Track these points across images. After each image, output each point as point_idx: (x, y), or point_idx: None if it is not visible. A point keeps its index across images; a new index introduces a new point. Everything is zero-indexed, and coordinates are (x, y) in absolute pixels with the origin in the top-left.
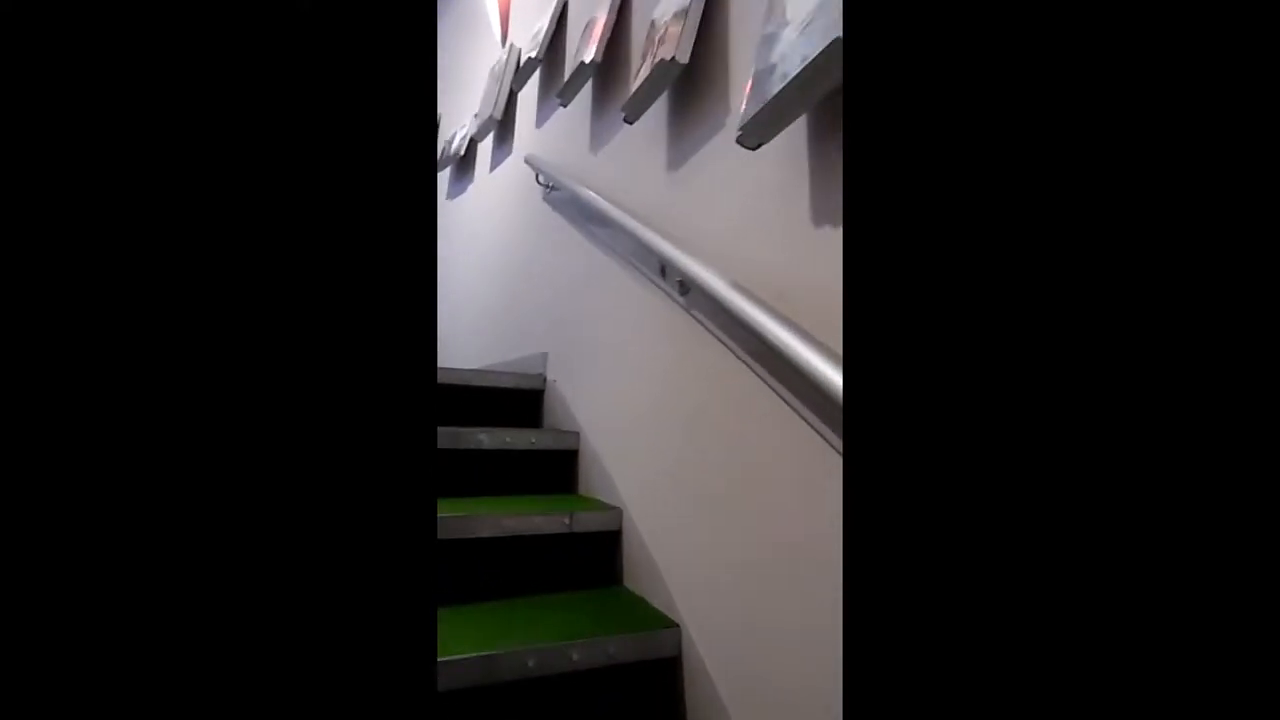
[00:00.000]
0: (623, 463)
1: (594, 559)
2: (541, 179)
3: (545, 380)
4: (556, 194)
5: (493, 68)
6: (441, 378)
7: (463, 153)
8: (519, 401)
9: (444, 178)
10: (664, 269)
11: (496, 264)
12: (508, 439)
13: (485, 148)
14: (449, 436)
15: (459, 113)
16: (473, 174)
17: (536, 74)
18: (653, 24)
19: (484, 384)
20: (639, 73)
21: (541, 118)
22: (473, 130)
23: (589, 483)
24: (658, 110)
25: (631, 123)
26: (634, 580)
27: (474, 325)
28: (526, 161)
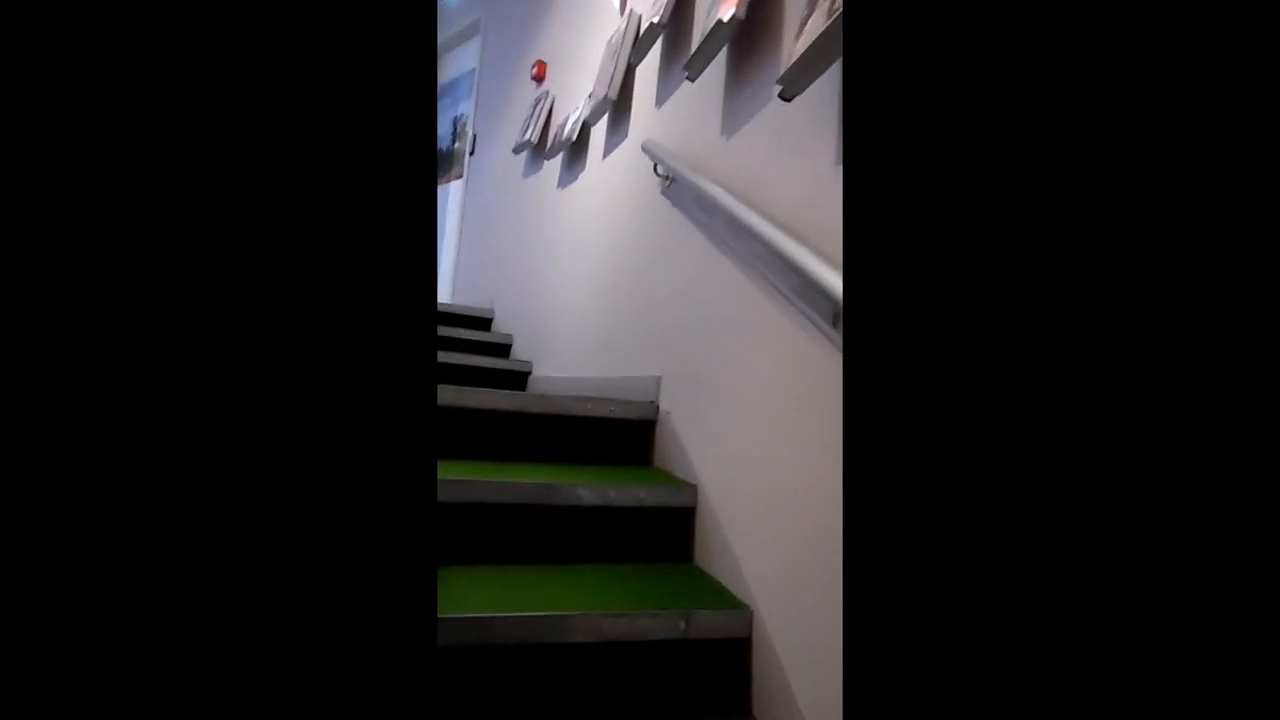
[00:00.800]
0: (751, 540)
1: (716, 679)
2: (660, 169)
3: (658, 410)
4: (676, 187)
5: (609, 40)
6: (536, 406)
7: (574, 138)
8: (625, 433)
9: (554, 165)
10: (837, 318)
11: (604, 265)
12: (611, 494)
13: (599, 132)
14: (543, 491)
15: (572, 94)
16: (584, 161)
17: (658, 44)
18: None
19: (584, 413)
20: (806, 29)
21: (662, 95)
22: (585, 112)
23: (708, 556)
24: (829, 82)
25: (789, 99)
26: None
27: (575, 333)
28: (644, 149)
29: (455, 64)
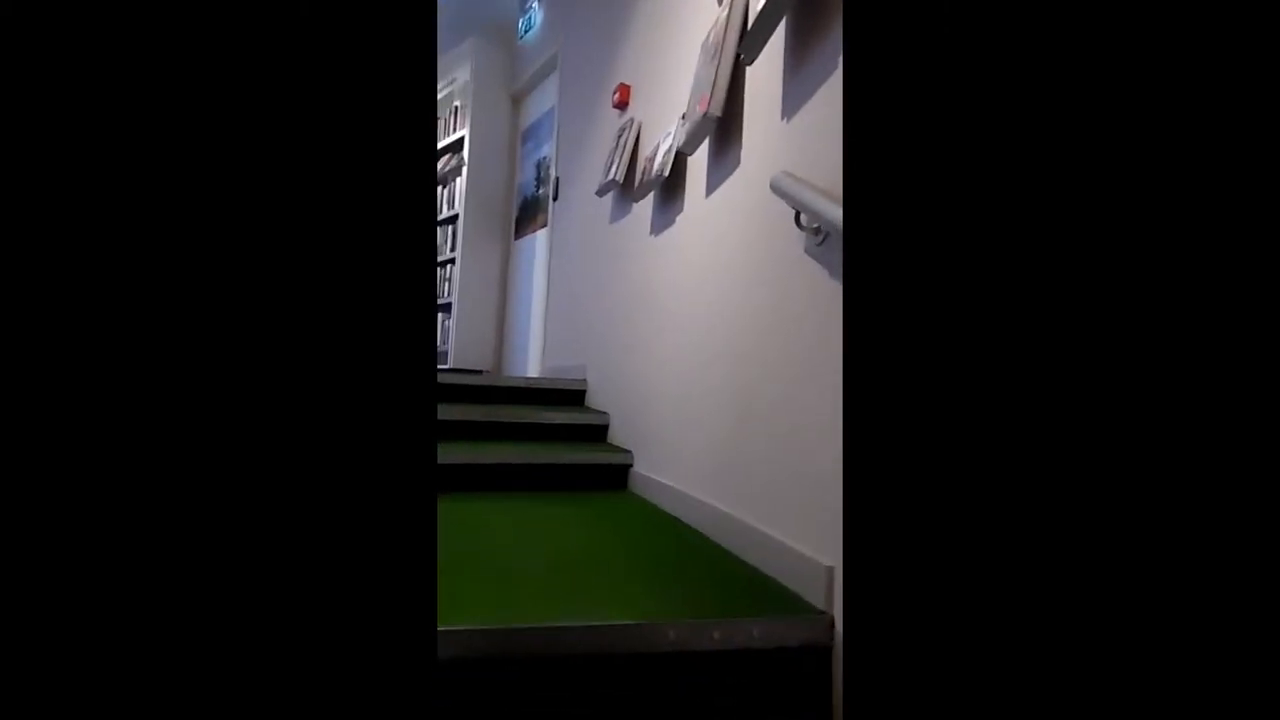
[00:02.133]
0: None
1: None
2: (805, 219)
3: (834, 631)
4: (836, 245)
5: (705, 40)
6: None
7: (666, 172)
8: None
9: (646, 205)
10: None
11: (719, 338)
12: None
13: (699, 163)
14: None
15: (661, 117)
16: (681, 200)
17: (781, 29)
18: None
19: (705, 646)
20: None
21: (792, 103)
22: (679, 139)
23: None
24: None
25: None
26: None
27: (685, 429)
28: (774, 188)
29: (536, 106)
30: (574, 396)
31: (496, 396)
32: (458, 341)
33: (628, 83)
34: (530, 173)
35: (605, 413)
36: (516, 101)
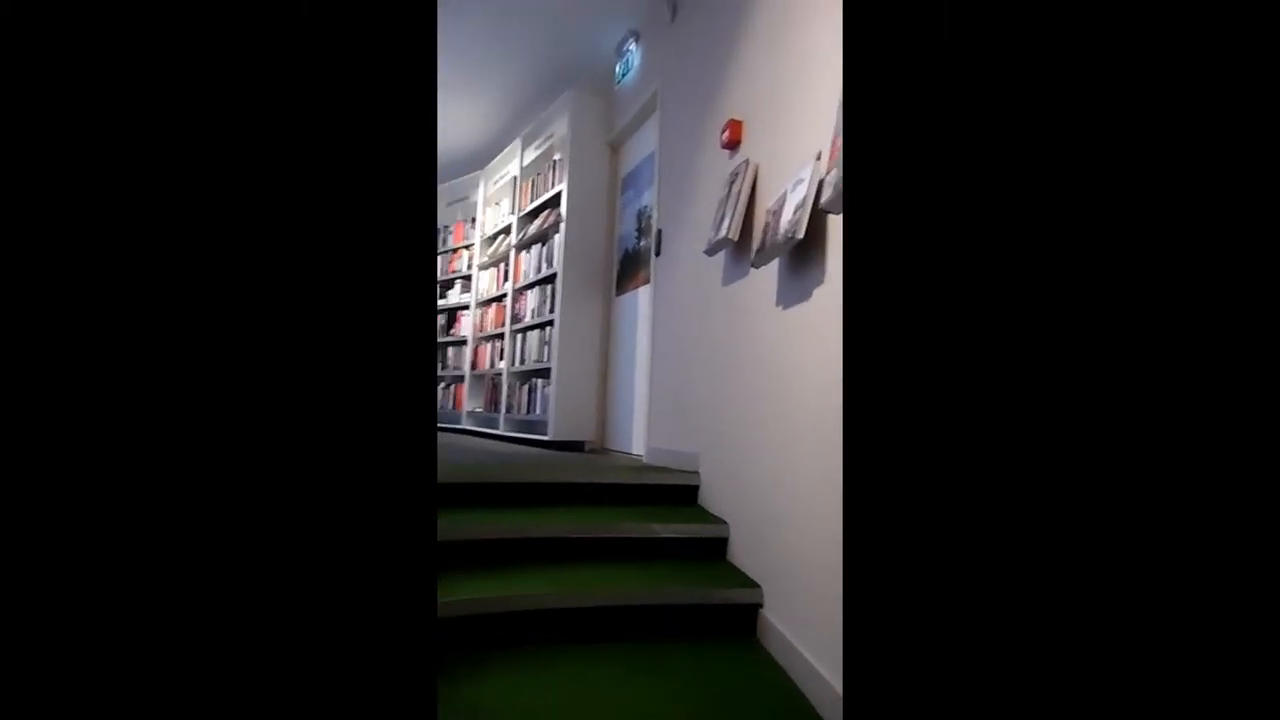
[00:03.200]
0: None
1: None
2: None
3: None
4: None
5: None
6: None
7: (799, 234)
8: None
9: (767, 271)
10: None
11: None
12: None
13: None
14: None
15: (784, 157)
16: (820, 270)
17: None
18: None
19: None
20: None
21: None
22: (815, 189)
23: None
24: None
25: None
26: None
27: (822, 593)
28: None
29: (636, 150)
30: (684, 494)
31: (591, 496)
32: (558, 409)
33: (738, 118)
34: (630, 223)
35: (723, 521)
36: (615, 149)
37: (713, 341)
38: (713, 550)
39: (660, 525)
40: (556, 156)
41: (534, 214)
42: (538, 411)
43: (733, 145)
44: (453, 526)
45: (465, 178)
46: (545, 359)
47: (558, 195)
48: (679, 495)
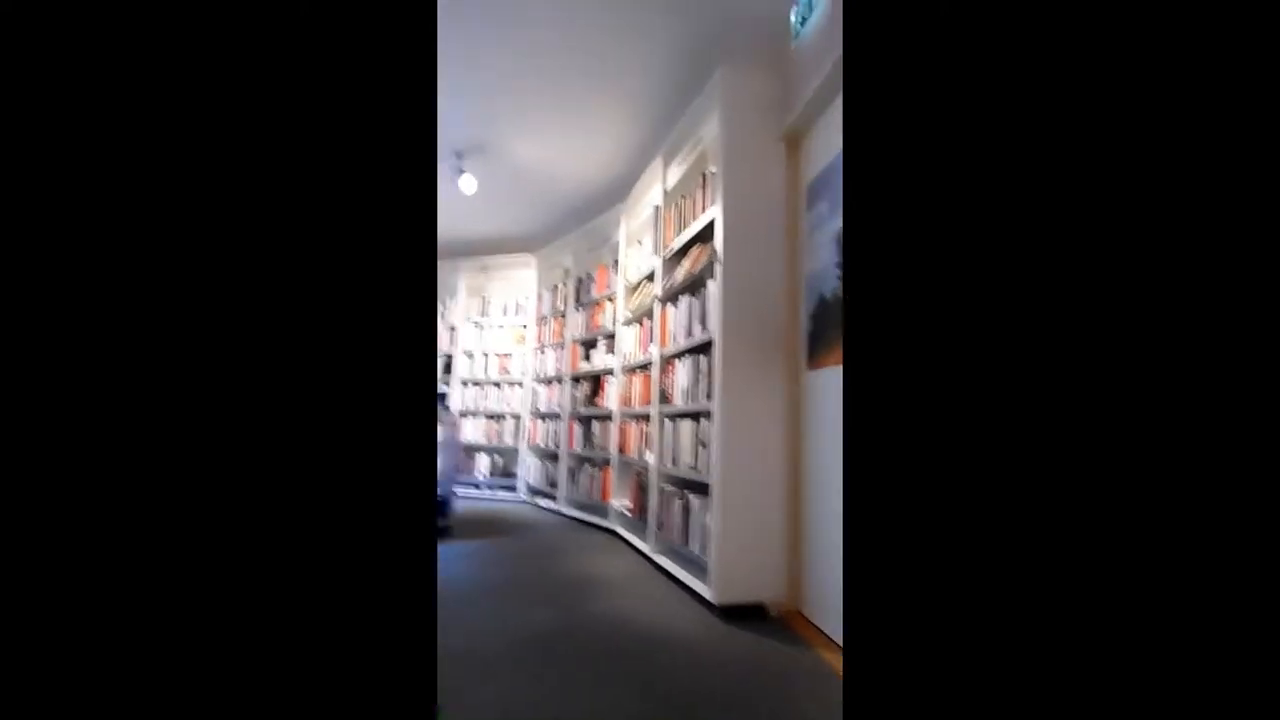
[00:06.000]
0: None
1: None
2: None
3: None
4: None
5: None
6: None
7: None
8: None
9: None
10: None
11: None
12: None
13: None
14: None
15: None
16: None
17: None
18: None
19: None
20: None
21: None
22: None
23: None
24: None
25: None
26: None
27: None
28: None
29: (827, 141)
30: None
31: None
32: (722, 554)
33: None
34: (827, 255)
35: None
36: (793, 142)
37: None
38: None
39: None
40: (711, 169)
41: (681, 253)
42: (695, 547)
43: None
44: None
45: (606, 215)
46: (699, 466)
47: (710, 224)
48: None
